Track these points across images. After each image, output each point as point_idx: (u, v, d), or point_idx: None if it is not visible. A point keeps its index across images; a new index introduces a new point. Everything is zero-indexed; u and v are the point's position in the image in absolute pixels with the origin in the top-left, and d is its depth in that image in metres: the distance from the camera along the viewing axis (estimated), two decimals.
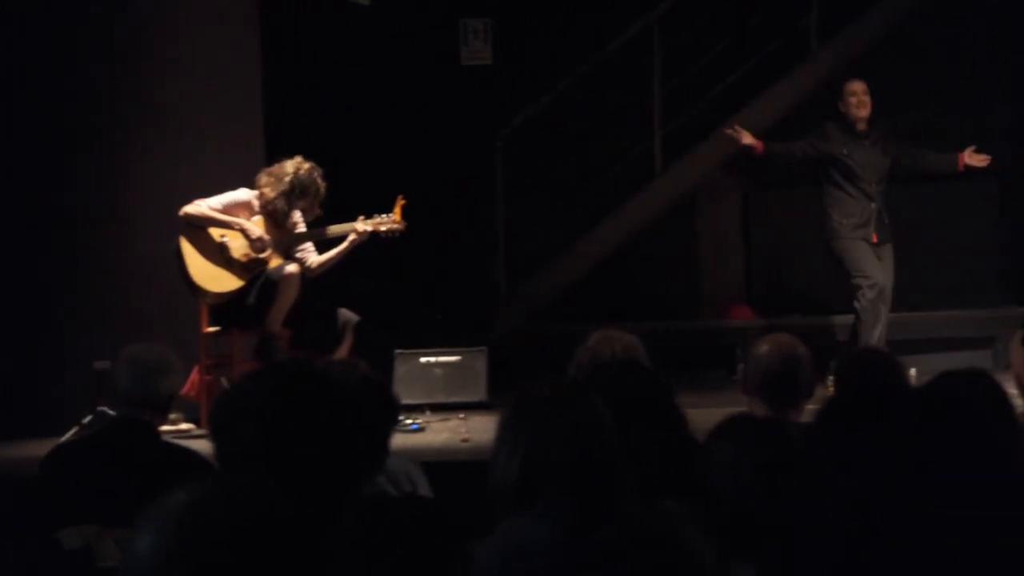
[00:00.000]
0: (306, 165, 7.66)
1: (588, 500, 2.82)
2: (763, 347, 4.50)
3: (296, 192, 7.64)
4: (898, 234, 9.35)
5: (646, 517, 2.84)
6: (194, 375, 7.56)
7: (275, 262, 7.66)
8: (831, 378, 4.98)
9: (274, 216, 7.68)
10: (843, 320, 10.44)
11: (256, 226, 7.64)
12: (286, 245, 7.74)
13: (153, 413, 4.68)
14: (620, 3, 10.76)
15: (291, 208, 7.67)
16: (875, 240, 9.07)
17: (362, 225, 7.71)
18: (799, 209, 11.33)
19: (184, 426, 7.51)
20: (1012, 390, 4.60)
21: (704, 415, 3.74)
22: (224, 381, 7.33)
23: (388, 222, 7.75)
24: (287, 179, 7.62)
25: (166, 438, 5.06)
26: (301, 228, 7.81)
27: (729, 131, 9.11)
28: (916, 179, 9.13)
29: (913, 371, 8.02)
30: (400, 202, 7.81)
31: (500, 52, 11.13)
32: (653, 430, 3.23)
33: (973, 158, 9.01)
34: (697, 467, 3.20)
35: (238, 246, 7.64)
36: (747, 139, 9.05)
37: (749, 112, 10.44)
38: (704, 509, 2.97)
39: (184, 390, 7.15)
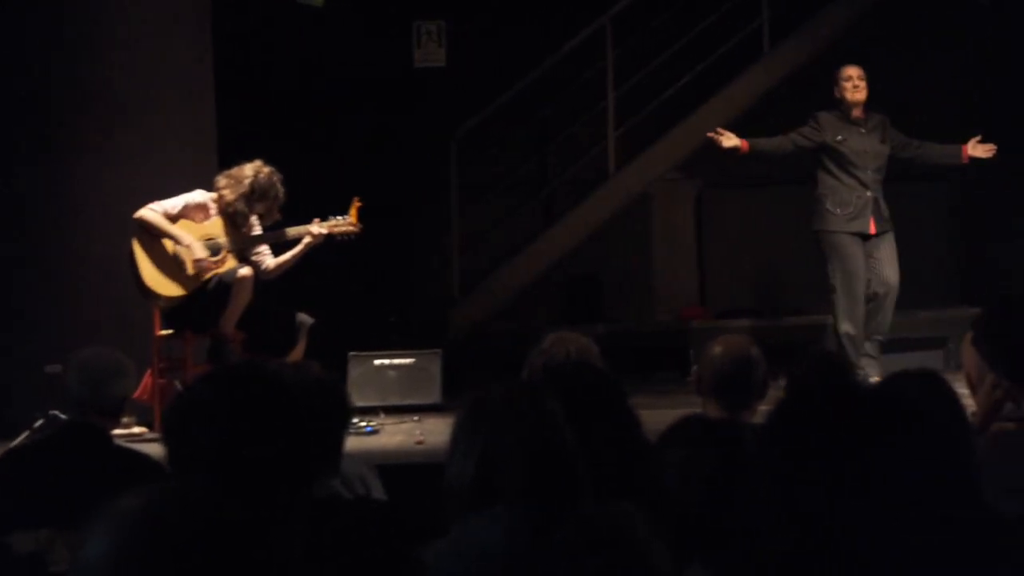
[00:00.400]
0: (266, 169, 7.63)
1: (544, 501, 2.83)
2: (716, 348, 4.52)
3: (255, 195, 7.61)
4: None
5: (601, 518, 2.85)
6: (147, 378, 7.50)
7: (229, 264, 7.62)
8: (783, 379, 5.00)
9: (233, 219, 7.65)
10: (797, 321, 10.51)
11: (214, 229, 7.60)
12: (241, 248, 7.71)
13: (105, 417, 4.65)
14: (574, 4, 10.78)
15: (250, 211, 7.64)
16: (872, 231, 8.87)
17: (317, 228, 7.69)
18: (753, 209, 11.40)
19: (137, 430, 7.46)
20: (963, 390, 4.63)
21: (658, 416, 3.75)
22: (177, 384, 7.29)
23: (343, 224, 7.74)
24: (246, 182, 7.58)
25: (118, 442, 5.01)
26: (257, 231, 7.78)
27: (711, 135, 8.96)
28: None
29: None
30: (355, 204, 7.79)
31: (454, 54, 11.13)
32: (607, 431, 3.23)
33: (978, 149, 8.86)
34: (650, 469, 3.21)
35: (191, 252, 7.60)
36: (729, 142, 8.89)
37: (702, 113, 10.49)
38: (656, 511, 2.99)
39: (137, 393, 7.06)
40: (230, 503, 1.84)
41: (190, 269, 7.55)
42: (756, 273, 11.32)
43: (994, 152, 8.79)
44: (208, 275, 7.55)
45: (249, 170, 7.61)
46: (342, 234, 7.75)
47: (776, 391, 4.38)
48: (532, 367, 4.21)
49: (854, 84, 8.86)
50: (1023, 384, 3.98)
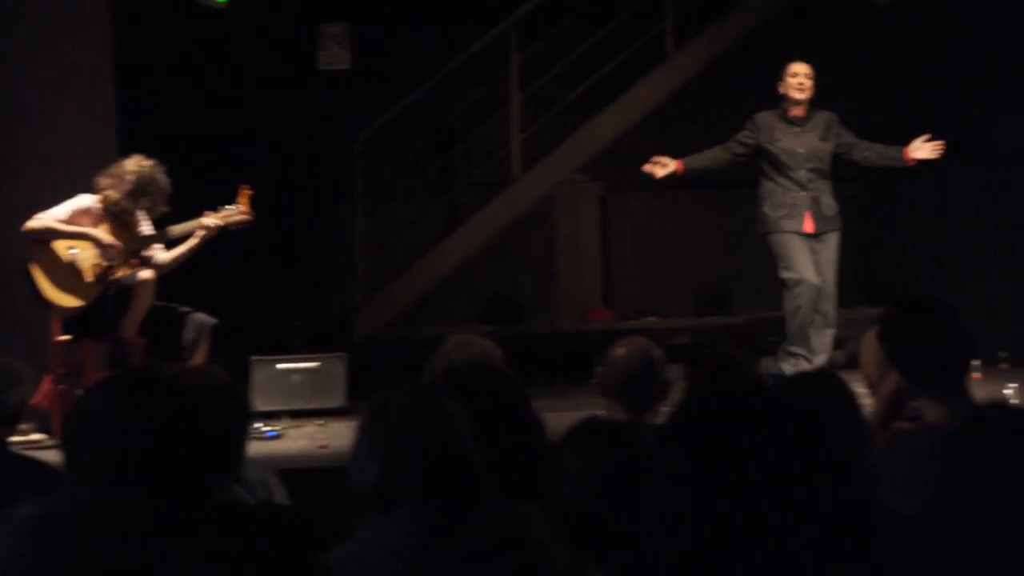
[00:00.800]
0: (147, 162, 7.52)
1: (446, 503, 2.83)
2: (619, 350, 4.55)
3: (139, 191, 7.50)
4: (752, 237, 9.46)
5: (505, 520, 2.86)
6: (46, 384, 7.38)
7: (127, 268, 7.54)
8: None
9: (121, 218, 7.55)
10: (700, 322, 10.60)
11: (104, 233, 7.51)
12: (135, 248, 7.62)
13: (2, 424, 4.59)
14: (479, 7, 10.79)
15: (136, 207, 7.53)
16: (811, 231, 8.76)
17: (209, 220, 7.61)
18: (656, 211, 11.48)
19: (35, 437, 7.36)
20: (861, 390, 4.70)
21: (562, 419, 3.76)
22: (78, 391, 7.20)
23: (235, 213, 7.66)
24: (129, 178, 7.48)
25: (16, 449, 4.95)
26: (147, 230, 7.68)
27: (647, 168, 8.85)
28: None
29: (767, 372, 8.16)
30: (244, 192, 7.71)
31: (358, 57, 11.10)
32: (509, 434, 3.24)
33: (923, 149, 8.70)
34: (551, 471, 3.22)
35: (88, 257, 7.48)
36: (664, 171, 8.82)
37: (606, 116, 10.55)
38: (558, 513, 3.00)
39: (36, 400, 6.94)
40: (128, 510, 1.82)
41: (88, 276, 7.46)
42: (660, 275, 11.40)
43: (941, 151, 8.67)
44: (114, 274, 7.47)
45: (130, 165, 7.51)
46: (236, 224, 7.68)
47: (680, 392, 4.42)
48: (434, 371, 4.21)
49: (799, 82, 8.76)
50: (923, 383, 4.04)
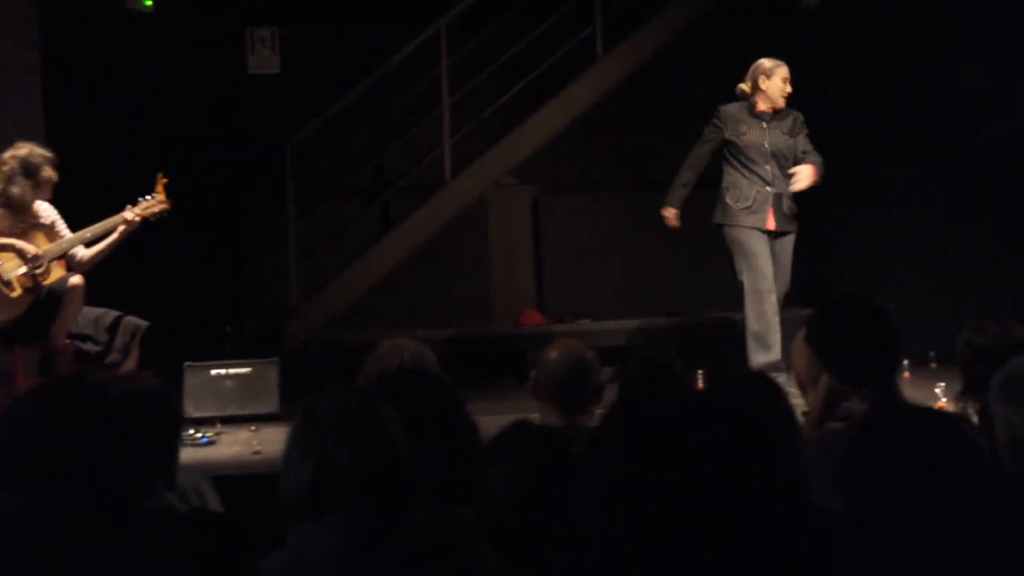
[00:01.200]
0: (23, 148, 7.46)
1: (378, 508, 2.83)
2: (552, 353, 4.56)
3: (21, 173, 7.42)
4: (683, 238, 9.50)
5: (439, 524, 2.86)
6: None
7: (55, 274, 7.48)
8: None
9: (15, 208, 7.46)
10: (633, 324, 10.62)
11: (25, 243, 7.43)
12: (65, 251, 7.56)
13: None
14: (410, 10, 10.78)
15: (23, 194, 7.44)
16: (773, 228, 8.66)
17: (130, 214, 7.56)
18: (588, 213, 11.51)
19: None
20: (793, 390, 4.74)
21: (496, 421, 3.76)
22: (8, 399, 7.12)
23: (154, 203, 7.61)
24: (6, 166, 7.41)
25: None
26: (60, 225, 7.60)
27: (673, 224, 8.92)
28: (697, 182, 9.18)
29: (700, 373, 8.20)
30: (161, 180, 7.67)
31: (288, 60, 11.05)
32: (441, 438, 3.23)
33: (796, 184, 8.62)
34: (484, 475, 3.23)
35: (11, 267, 7.40)
36: (677, 221, 8.95)
37: (537, 118, 10.56)
38: (489, 517, 3.00)
39: None
40: (57, 518, 1.81)
41: (17, 290, 7.39)
42: (593, 277, 11.43)
43: (805, 183, 8.54)
44: (41, 269, 7.40)
45: (6, 155, 7.46)
46: (155, 214, 7.63)
47: (612, 394, 4.44)
48: (366, 375, 4.21)
49: (786, 92, 8.73)
50: (853, 383, 4.09)
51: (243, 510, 3.67)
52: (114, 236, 7.56)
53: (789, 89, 8.74)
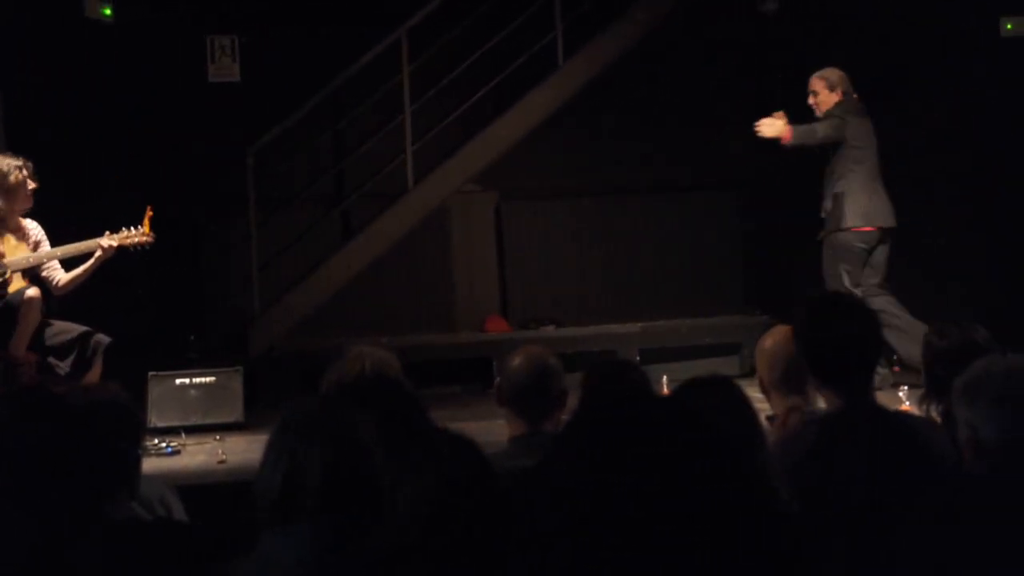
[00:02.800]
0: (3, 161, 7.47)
1: (346, 515, 2.83)
2: (515, 360, 4.56)
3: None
4: (645, 242, 9.52)
5: (403, 531, 2.87)
6: None
7: (17, 285, 7.47)
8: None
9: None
10: (597, 330, 10.64)
11: None
12: (32, 265, 7.55)
13: None
14: (370, 18, 10.78)
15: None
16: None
17: (107, 240, 7.54)
18: (551, 219, 11.53)
19: None
20: (756, 394, 4.77)
21: (462, 429, 3.77)
22: None
23: (136, 235, 7.62)
24: None
25: None
26: (45, 247, 7.61)
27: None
28: (659, 187, 9.20)
29: (664, 378, 8.22)
30: (148, 214, 7.67)
31: (249, 69, 11.03)
32: (403, 444, 3.23)
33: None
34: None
35: None
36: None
37: (497, 126, 10.58)
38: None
39: None
40: (20, 527, 1.82)
41: None
42: (557, 283, 11.44)
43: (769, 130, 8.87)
44: (6, 275, 7.40)
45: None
46: (135, 244, 7.63)
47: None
48: (329, 382, 4.21)
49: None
50: (826, 383, 4.11)
51: (209, 519, 3.68)
52: (90, 262, 7.56)
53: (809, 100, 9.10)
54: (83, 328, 7.57)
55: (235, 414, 8.47)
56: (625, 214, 11.20)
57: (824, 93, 9.02)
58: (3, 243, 7.51)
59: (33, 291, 7.41)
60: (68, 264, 7.70)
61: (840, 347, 4.05)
